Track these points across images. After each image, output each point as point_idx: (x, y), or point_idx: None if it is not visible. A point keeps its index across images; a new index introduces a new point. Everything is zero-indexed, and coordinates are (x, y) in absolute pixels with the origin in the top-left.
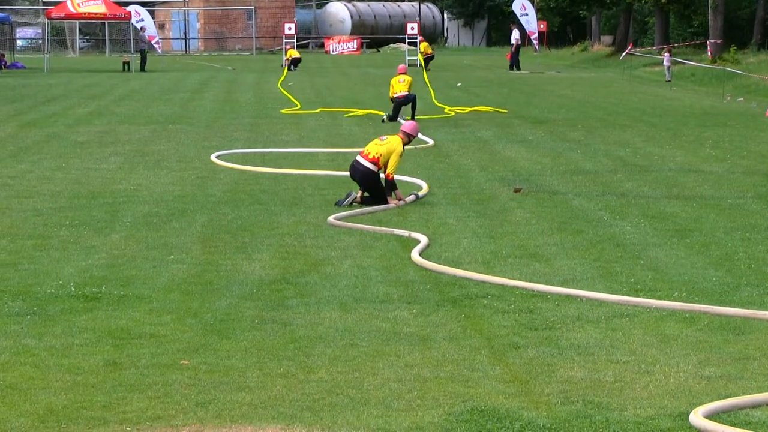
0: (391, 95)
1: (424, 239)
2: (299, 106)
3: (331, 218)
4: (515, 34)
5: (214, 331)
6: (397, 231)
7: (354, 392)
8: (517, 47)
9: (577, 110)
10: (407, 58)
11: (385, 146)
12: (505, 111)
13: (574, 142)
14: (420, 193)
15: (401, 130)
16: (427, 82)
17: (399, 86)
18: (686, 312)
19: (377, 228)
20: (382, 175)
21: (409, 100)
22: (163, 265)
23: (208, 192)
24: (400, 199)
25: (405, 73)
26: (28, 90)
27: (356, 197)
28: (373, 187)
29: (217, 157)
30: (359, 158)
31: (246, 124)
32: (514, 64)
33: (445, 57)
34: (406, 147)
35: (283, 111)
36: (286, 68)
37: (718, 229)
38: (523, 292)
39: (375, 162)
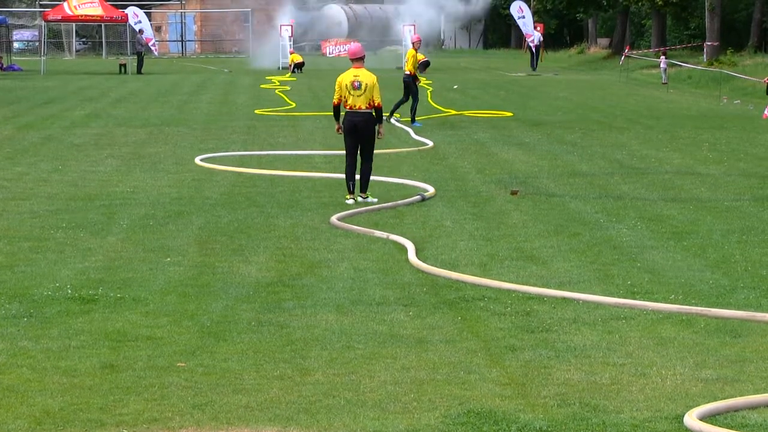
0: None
1: (409, 244)
2: (294, 106)
3: (333, 218)
4: (537, 35)
5: (211, 333)
6: (377, 233)
7: (350, 394)
8: (538, 48)
9: (574, 113)
10: (403, 60)
11: (368, 91)
12: (510, 114)
13: (571, 144)
14: (426, 195)
15: (355, 60)
16: (423, 84)
17: (407, 65)
18: (683, 314)
19: (356, 228)
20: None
21: (407, 83)
22: (160, 268)
23: (204, 194)
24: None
25: (414, 46)
26: (24, 92)
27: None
28: (371, 134)
29: (202, 160)
30: (352, 111)
31: (243, 126)
32: (534, 63)
33: (442, 59)
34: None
35: (257, 111)
36: (290, 72)
37: (715, 231)
38: (520, 294)
39: (369, 107)
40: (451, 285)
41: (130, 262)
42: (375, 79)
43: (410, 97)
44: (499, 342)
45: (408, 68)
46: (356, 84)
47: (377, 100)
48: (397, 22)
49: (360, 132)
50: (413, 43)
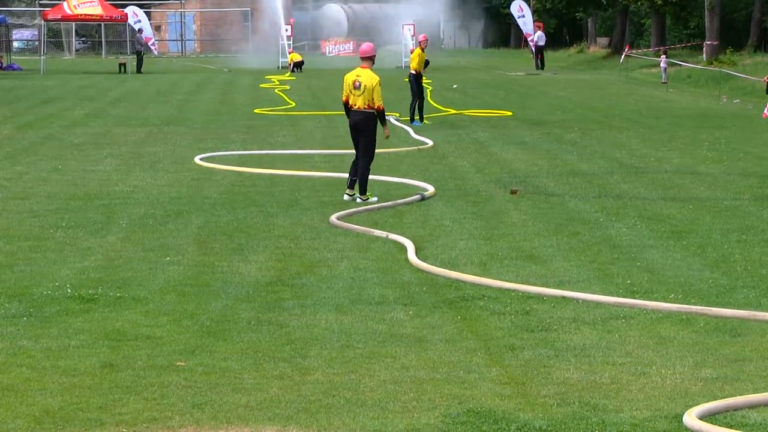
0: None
1: (409, 243)
2: (293, 105)
3: (333, 217)
4: (540, 35)
5: (211, 332)
6: (376, 232)
7: (350, 394)
8: (542, 48)
9: (573, 112)
10: (403, 59)
11: (366, 92)
12: (509, 113)
13: (570, 143)
14: (426, 194)
15: (363, 59)
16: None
17: (412, 63)
18: (682, 314)
19: (356, 227)
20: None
21: (410, 82)
22: (160, 267)
23: (203, 194)
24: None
25: (420, 45)
26: (24, 92)
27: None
28: (371, 130)
29: (201, 159)
30: (354, 110)
31: (242, 126)
32: (541, 62)
33: (442, 58)
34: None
35: (256, 110)
36: (289, 72)
37: (715, 230)
38: (520, 293)
39: (369, 107)
40: (451, 284)
41: (130, 261)
42: (376, 81)
43: (413, 95)
44: (499, 341)
45: (413, 67)
46: (356, 84)
47: (377, 103)
48: (396, 21)
49: (359, 130)
50: (420, 43)
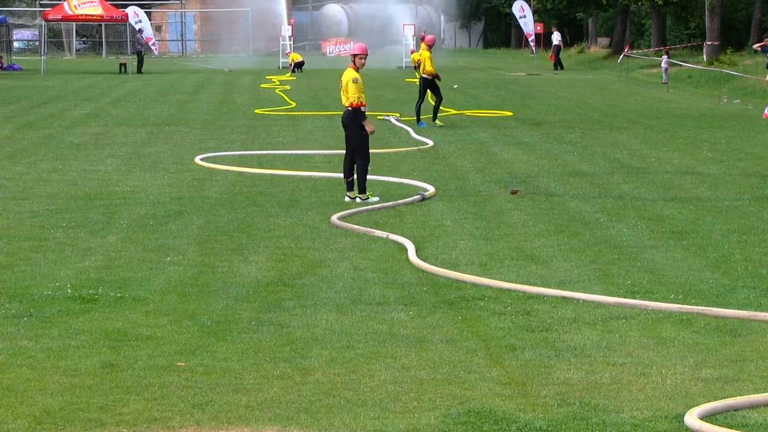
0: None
1: (409, 243)
2: (294, 105)
3: (333, 217)
4: (556, 36)
5: (211, 333)
6: (376, 232)
7: (350, 394)
8: (559, 48)
9: (573, 112)
10: (404, 60)
11: (346, 90)
12: (510, 113)
13: (570, 144)
14: (426, 194)
15: (351, 55)
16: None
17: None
18: (683, 314)
19: (356, 227)
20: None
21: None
22: (160, 267)
23: (204, 194)
24: (370, 128)
25: (425, 47)
26: (24, 92)
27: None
28: (354, 130)
29: (202, 159)
30: (346, 110)
31: (242, 126)
32: (557, 63)
33: (442, 59)
34: (359, 70)
35: (257, 111)
36: (290, 72)
37: (715, 231)
38: (520, 294)
39: (351, 105)
40: (451, 284)
41: (130, 261)
42: (350, 78)
43: (420, 95)
44: (499, 341)
45: (427, 71)
46: (341, 83)
47: (351, 99)
48: (397, 21)
49: (345, 128)
50: (429, 45)
